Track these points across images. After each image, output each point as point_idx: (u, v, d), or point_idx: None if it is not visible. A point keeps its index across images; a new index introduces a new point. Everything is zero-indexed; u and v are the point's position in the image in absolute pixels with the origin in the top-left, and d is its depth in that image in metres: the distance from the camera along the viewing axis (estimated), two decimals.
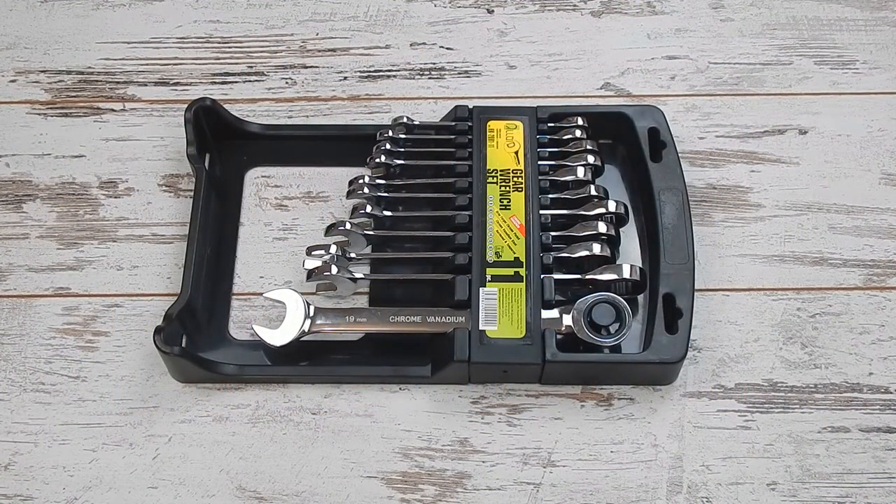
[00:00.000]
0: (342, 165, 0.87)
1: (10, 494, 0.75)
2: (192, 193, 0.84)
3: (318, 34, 0.95)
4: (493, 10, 0.96)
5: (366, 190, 0.82)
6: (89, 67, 0.93)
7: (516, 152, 0.83)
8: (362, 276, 0.81)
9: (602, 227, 0.80)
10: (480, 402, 0.78)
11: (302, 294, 0.79)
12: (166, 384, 0.79)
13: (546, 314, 0.76)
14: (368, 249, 0.83)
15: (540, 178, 0.82)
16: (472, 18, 0.96)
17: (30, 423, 0.78)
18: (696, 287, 0.78)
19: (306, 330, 0.78)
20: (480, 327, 0.76)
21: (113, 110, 0.91)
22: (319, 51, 0.94)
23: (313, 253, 0.80)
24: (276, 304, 0.79)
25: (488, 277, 0.78)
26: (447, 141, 0.85)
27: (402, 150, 0.85)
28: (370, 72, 0.93)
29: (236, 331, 0.81)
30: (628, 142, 0.85)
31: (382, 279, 0.82)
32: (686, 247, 0.79)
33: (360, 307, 0.81)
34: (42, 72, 0.93)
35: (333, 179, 0.87)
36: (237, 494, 0.75)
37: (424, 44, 0.94)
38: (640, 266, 0.80)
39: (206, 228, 0.82)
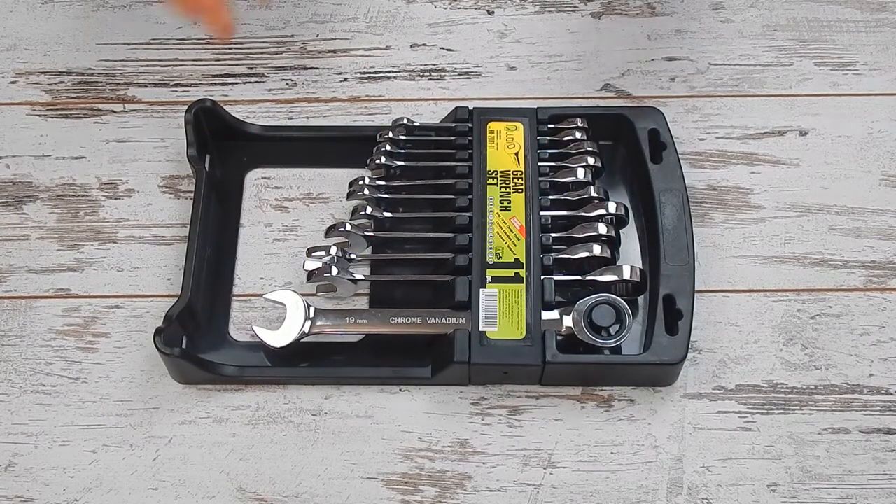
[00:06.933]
0: (342, 167, 0.87)
1: (11, 496, 0.75)
2: (192, 195, 0.84)
3: (318, 35, 0.95)
4: (493, 12, 0.96)
5: (366, 191, 0.82)
6: (89, 69, 0.93)
7: (516, 153, 0.83)
8: (362, 278, 0.81)
9: (602, 229, 0.80)
10: (481, 403, 0.78)
11: (302, 295, 0.79)
12: (166, 385, 0.79)
13: (546, 315, 0.76)
14: (369, 251, 0.83)
15: (540, 179, 0.82)
16: (473, 20, 0.96)
17: (30, 425, 0.78)
18: (696, 288, 0.78)
19: (306, 331, 0.78)
20: (481, 328, 0.76)
21: (113, 111, 0.91)
22: (320, 52, 0.94)
23: (313, 254, 0.80)
24: (276, 305, 0.79)
25: (488, 279, 0.78)
26: (447, 142, 0.85)
27: (403, 151, 0.85)
28: (370, 73, 0.93)
29: (236, 332, 0.81)
30: (628, 143, 0.85)
31: (383, 280, 0.82)
32: (686, 248, 0.79)
33: (361, 308, 0.81)
34: (42, 73, 0.93)
35: (334, 181, 0.87)
36: (237, 496, 0.75)
37: (425, 45, 0.94)
38: (641, 267, 0.80)
39: (207, 230, 0.82)
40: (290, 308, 0.78)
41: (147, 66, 0.93)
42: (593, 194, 0.81)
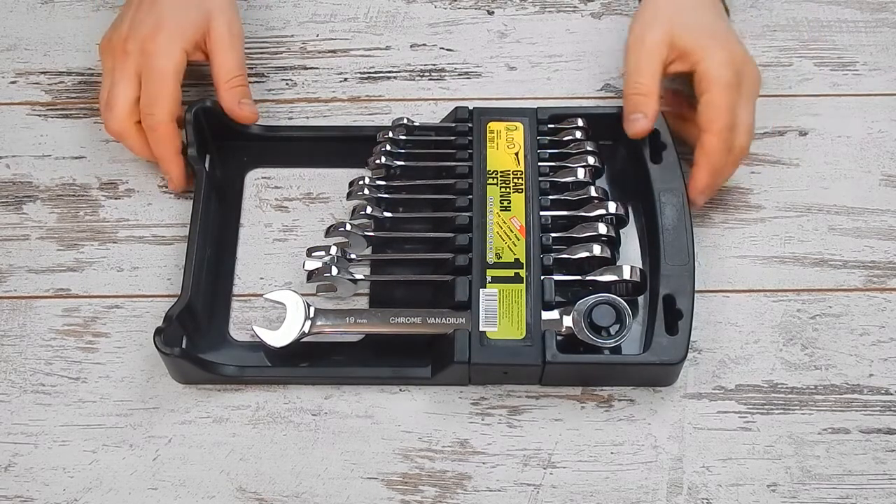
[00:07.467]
0: (342, 167, 0.87)
1: (11, 496, 0.75)
2: (192, 195, 0.84)
3: (318, 35, 0.95)
4: (493, 12, 0.96)
5: (366, 191, 0.82)
6: (90, 69, 0.93)
7: (516, 153, 0.83)
8: (362, 278, 0.81)
9: (602, 229, 0.80)
10: (480, 403, 0.78)
11: (302, 295, 0.79)
12: (166, 385, 0.79)
13: (546, 315, 0.76)
14: (369, 251, 0.83)
15: (540, 179, 0.82)
16: (473, 20, 0.96)
17: (30, 425, 0.78)
18: (696, 288, 0.78)
19: (306, 331, 0.78)
20: (481, 328, 0.76)
21: None
22: (320, 52, 0.94)
23: (313, 254, 0.80)
24: (276, 305, 0.79)
25: (488, 279, 0.77)
26: (447, 142, 0.85)
27: (403, 151, 0.85)
28: (370, 73, 0.93)
29: (236, 332, 0.81)
30: (628, 143, 0.85)
31: (383, 280, 0.82)
32: (686, 248, 0.79)
33: (361, 308, 0.81)
34: (42, 73, 0.93)
35: (334, 181, 0.87)
36: (237, 496, 0.75)
37: (424, 45, 0.94)
38: (641, 267, 0.80)
39: (207, 230, 0.82)
40: (290, 308, 0.78)
41: None
42: (593, 194, 0.81)
